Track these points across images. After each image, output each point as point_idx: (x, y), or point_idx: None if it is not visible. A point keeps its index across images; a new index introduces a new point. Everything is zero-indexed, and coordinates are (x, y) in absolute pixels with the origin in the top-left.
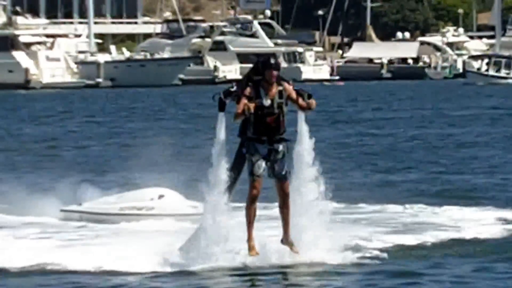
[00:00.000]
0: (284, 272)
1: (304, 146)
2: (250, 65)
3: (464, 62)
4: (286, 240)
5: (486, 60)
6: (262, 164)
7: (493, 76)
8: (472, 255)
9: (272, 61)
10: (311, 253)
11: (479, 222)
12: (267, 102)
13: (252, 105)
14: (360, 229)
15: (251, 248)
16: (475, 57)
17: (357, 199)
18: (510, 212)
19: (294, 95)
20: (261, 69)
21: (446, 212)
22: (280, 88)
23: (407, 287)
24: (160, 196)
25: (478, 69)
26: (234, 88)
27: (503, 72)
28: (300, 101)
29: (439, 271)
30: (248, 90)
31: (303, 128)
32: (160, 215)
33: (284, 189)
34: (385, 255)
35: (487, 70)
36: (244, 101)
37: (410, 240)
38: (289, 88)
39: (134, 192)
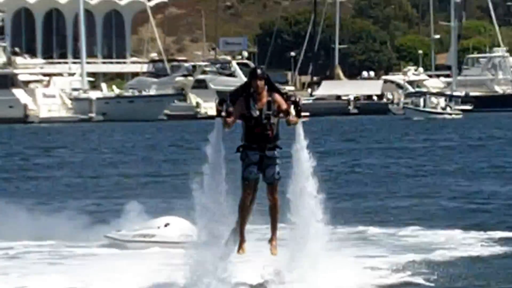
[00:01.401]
0: None
1: (302, 164)
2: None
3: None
4: (272, 246)
5: (423, 97)
6: (254, 169)
7: (422, 112)
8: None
9: (258, 71)
10: (311, 275)
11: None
12: (255, 113)
13: (230, 120)
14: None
15: (240, 246)
16: (413, 95)
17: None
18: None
19: (284, 106)
20: (249, 79)
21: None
22: (270, 97)
23: None
24: (166, 224)
25: (415, 104)
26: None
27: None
28: (291, 117)
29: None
30: (230, 109)
31: (301, 140)
32: (159, 242)
33: (273, 193)
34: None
35: (424, 106)
36: (228, 118)
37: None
38: (279, 99)
39: (150, 220)
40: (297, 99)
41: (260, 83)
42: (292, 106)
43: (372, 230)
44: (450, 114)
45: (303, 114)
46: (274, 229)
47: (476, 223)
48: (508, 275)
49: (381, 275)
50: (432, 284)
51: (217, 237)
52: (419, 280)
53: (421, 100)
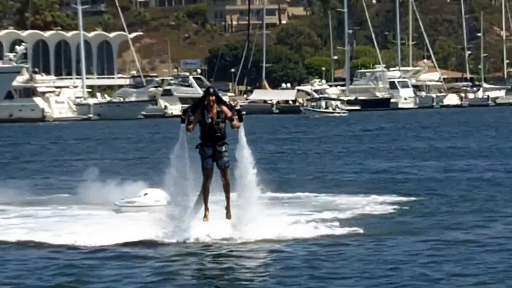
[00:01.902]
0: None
1: (244, 155)
2: (188, 105)
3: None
4: (227, 214)
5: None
6: (209, 161)
7: (320, 112)
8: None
9: (211, 89)
10: (253, 230)
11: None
12: (208, 120)
13: (190, 126)
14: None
15: (205, 215)
16: (311, 100)
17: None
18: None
19: (229, 115)
20: (204, 95)
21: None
22: (219, 109)
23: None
24: (145, 194)
25: (313, 106)
26: (189, 110)
27: (331, 108)
28: (235, 121)
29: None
30: (191, 118)
31: (243, 140)
32: (139, 206)
33: (226, 176)
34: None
35: (318, 107)
36: (189, 126)
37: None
38: (225, 109)
39: (137, 191)
40: (240, 108)
41: (212, 98)
42: (236, 114)
43: (297, 194)
44: (339, 113)
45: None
46: (228, 200)
47: (372, 190)
48: (395, 224)
49: (304, 228)
50: (342, 233)
51: (184, 204)
52: (336, 231)
53: (323, 103)
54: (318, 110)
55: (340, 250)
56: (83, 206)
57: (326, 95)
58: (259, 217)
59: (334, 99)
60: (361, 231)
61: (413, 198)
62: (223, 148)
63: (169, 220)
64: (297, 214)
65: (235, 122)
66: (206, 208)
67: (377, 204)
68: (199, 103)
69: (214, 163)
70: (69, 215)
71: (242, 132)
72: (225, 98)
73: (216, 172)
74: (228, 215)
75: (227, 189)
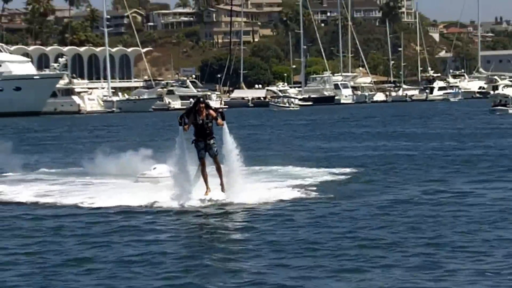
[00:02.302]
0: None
1: (228, 143)
2: (186, 101)
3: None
4: (222, 188)
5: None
6: (202, 151)
7: (282, 106)
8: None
9: (201, 99)
10: (241, 195)
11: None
12: (199, 121)
13: (186, 127)
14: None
15: (206, 192)
16: (272, 98)
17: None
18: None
19: (214, 116)
20: (196, 103)
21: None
22: (207, 113)
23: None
24: (154, 168)
25: (275, 102)
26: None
27: (287, 104)
28: (219, 120)
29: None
30: (186, 121)
31: (226, 133)
32: (148, 178)
33: (217, 162)
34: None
35: (279, 103)
36: (185, 126)
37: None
38: (212, 113)
39: (149, 166)
40: (223, 111)
41: (202, 106)
42: (220, 115)
43: (270, 168)
44: (293, 107)
45: (221, 110)
46: (221, 179)
47: (326, 164)
48: (346, 191)
49: (279, 192)
50: (312, 195)
51: (185, 177)
52: (303, 194)
53: (284, 100)
54: (277, 104)
55: (310, 208)
56: (109, 176)
57: (287, 94)
58: (244, 185)
59: (292, 97)
60: (324, 195)
61: (354, 170)
62: (212, 141)
63: (174, 187)
64: (272, 181)
65: (219, 121)
66: (208, 188)
67: (332, 174)
68: (192, 109)
69: (207, 153)
70: (98, 183)
71: (225, 127)
72: (213, 95)
73: (209, 159)
74: (222, 189)
75: (219, 171)
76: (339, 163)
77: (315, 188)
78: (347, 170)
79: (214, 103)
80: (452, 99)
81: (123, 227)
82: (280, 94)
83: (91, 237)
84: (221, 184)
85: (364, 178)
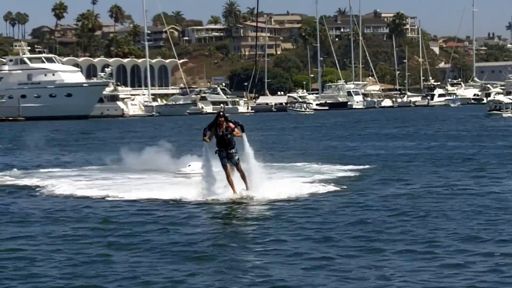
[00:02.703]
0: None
1: (247, 149)
2: (217, 106)
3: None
4: (246, 188)
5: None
6: (225, 160)
7: (298, 110)
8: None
9: (221, 113)
10: (263, 191)
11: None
12: (220, 133)
13: (206, 138)
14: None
15: (233, 192)
16: (289, 104)
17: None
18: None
19: (233, 127)
20: (216, 117)
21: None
22: (227, 125)
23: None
24: (188, 165)
25: (292, 107)
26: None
27: (303, 109)
28: (236, 131)
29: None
30: (207, 135)
31: (246, 141)
32: (183, 173)
33: (239, 168)
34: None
35: (295, 108)
36: (205, 138)
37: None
38: (231, 125)
39: (185, 163)
40: (241, 124)
41: (221, 119)
42: (239, 128)
43: (294, 164)
44: (308, 112)
45: (240, 130)
46: (245, 184)
47: (341, 162)
48: (365, 185)
49: (307, 187)
50: (337, 188)
51: (213, 178)
52: (330, 187)
53: (300, 105)
54: (294, 109)
55: (332, 200)
56: (149, 171)
57: (306, 100)
58: (262, 183)
59: (307, 103)
60: (345, 187)
61: (367, 166)
62: (233, 151)
63: (204, 185)
64: (297, 177)
65: (236, 131)
66: (234, 191)
67: (349, 171)
68: (214, 122)
69: (229, 161)
70: (137, 178)
71: (245, 137)
72: (242, 101)
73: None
74: (248, 191)
75: (243, 177)
76: (355, 160)
77: (335, 183)
78: (363, 167)
79: (242, 108)
80: (452, 105)
81: (159, 217)
82: (300, 100)
83: (131, 225)
84: (246, 187)
85: (380, 174)
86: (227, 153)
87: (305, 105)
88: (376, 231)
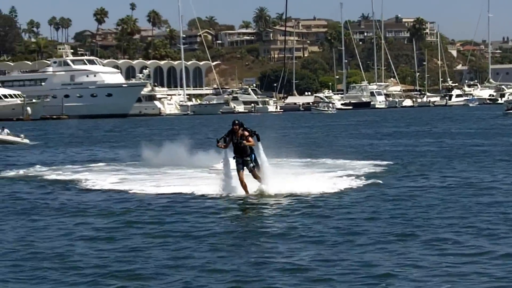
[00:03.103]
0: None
1: (262, 156)
2: (248, 106)
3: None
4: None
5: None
6: (240, 166)
7: (321, 110)
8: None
9: (236, 122)
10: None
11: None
12: (235, 140)
13: (220, 144)
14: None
15: (246, 193)
16: (314, 103)
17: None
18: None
19: (247, 136)
20: (232, 125)
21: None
22: (242, 133)
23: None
24: (221, 162)
25: (315, 106)
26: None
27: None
28: (249, 139)
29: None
30: (222, 143)
31: (260, 149)
32: (216, 169)
33: (254, 174)
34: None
35: (319, 107)
36: (221, 145)
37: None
38: (246, 133)
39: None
40: (257, 133)
41: (236, 127)
42: (255, 136)
43: (320, 160)
44: (330, 111)
45: (255, 139)
46: (260, 182)
47: (368, 157)
48: (386, 177)
49: (334, 182)
50: (364, 183)
51: (230, 178)
52: (358, 182)
53: (330, 104)
54: (317, 108)
55: (361, 194)
56: (185, 167)
57: (331, 100)
58: (273, 180)
59: (330, 103)
60: (371, 181)
61: (391, 162)
62: (248, 158)
63: (223, 182)
64: (325, 172)
65: (249, 139)
66: (247, 192)
67: (375, 166)
68: (228, 132)
69: (244, 167)
70: (174, 173)
71: (260, 145)
72: (271, 101)
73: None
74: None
75: (259, 180)
76: (379, 156)
77: (366, 177)
78: (386, 162)
79: (272, 107)
80: (470, 105)
81: (194, 210)
82: (326, 100)
83: (161, 216)
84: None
85: (400, 170)
86: (242, 160)
87: (329, 104)
88: (404, 223)
